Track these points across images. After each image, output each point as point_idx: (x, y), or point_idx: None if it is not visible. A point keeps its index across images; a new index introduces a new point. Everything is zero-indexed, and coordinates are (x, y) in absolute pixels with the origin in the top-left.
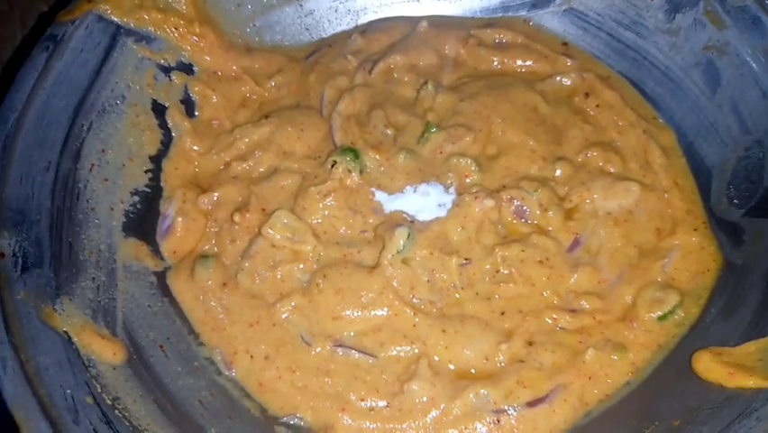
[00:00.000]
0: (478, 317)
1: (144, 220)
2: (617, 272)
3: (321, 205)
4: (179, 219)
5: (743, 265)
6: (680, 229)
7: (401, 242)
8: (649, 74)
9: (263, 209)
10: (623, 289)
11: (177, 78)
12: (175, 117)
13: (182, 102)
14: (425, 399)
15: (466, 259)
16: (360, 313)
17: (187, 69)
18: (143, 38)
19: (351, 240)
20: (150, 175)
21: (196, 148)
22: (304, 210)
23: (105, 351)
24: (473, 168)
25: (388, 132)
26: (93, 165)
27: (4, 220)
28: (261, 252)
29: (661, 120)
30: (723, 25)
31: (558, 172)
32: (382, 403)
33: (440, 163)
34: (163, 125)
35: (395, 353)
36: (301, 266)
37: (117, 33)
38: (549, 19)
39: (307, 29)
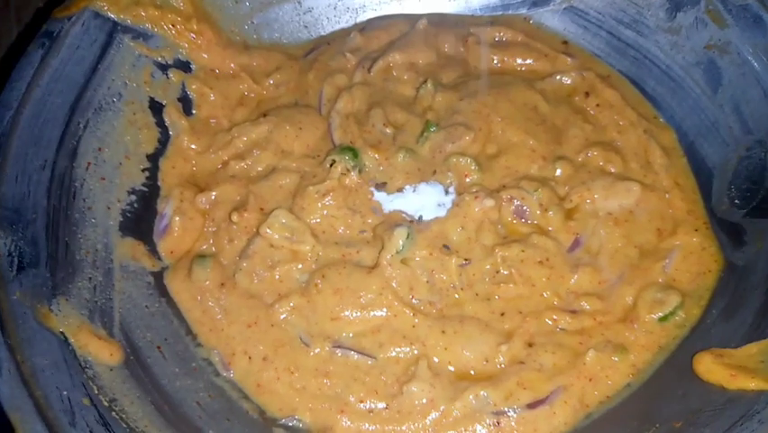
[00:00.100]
0: (477, 317)
1: (141, 219)
2: (618, 273)
3: (319, 204)
4: (177, 219)
5: (744, 266)
6: (681, 230)
7: (400, 242)
8: (650, 73)
9: (261, 209)
10: (623, 289)
11: (174, 75)
12: (172, 115)
13: (179, 100)
14: (424, 400)
15: (466, 259)
16: (359, 314)
17: (184, 66)
18: (140, 35)
19: (349, 240)
20: (147, 174)
21: (193, 146)
22: (302, 210)
23: (101, 352)
24: (473, 167)
25: (388, 131)
26: (89, 163)
27: (0, 219)
28: (260, 251)
29: (661, 119)
30: (724, 24)
31: (558, 172)
32: (381, 405)
33: (439, 163)
34: (160, 123)
35: (394, 354)
36: (300, 266)
37: (114, 30)
38: (549, 17)
39: (306, 26)
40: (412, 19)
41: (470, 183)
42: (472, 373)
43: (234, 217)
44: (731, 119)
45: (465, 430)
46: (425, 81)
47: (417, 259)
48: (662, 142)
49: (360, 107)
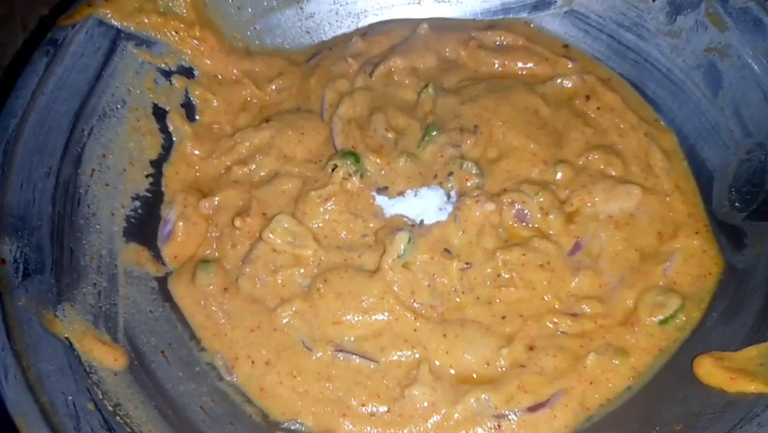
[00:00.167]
0: (479, 321)
1: (145, 225)
2: (619, 276)
3: (322, 209)
4: (180, 224)
5: (744, 269)
6: (681, 233)
7: (402, 246)
8: (650, 76)
9: (264, 214)
10: (624, 292)
11: (177, 81)
12: (176, 121)
13: (183, 106)
14: (425, 404)
15: (467, 263)
16: (360, 318)
17: (187, 72)
18: (144, 42)
19: (351, 244)
20: (150, 180)
21: (196, 152)
22: (304, 215)
23: (106, 357)
24: (474, 171)
25: (389, 135)
26: (94, 170)
27: (5, 226)
28: (262, 256)
29: (662, 123)
30: (724, 27)
31: (559, 175)
32: (383, 408)
33: (441, 167)
34: (164, 130)
35: (396, 358)
36: (302, 271)
37: (117, 38)
38: (550, 21)
39: (308, 32)
40: (413, 24)
41: (471, 187)
42: (474, 376)
43: (237, 222)
44: (731, 122)
45: None
46: (427, 86)
47: (419, 263)
48: (662, 146)
49: (361, 112)
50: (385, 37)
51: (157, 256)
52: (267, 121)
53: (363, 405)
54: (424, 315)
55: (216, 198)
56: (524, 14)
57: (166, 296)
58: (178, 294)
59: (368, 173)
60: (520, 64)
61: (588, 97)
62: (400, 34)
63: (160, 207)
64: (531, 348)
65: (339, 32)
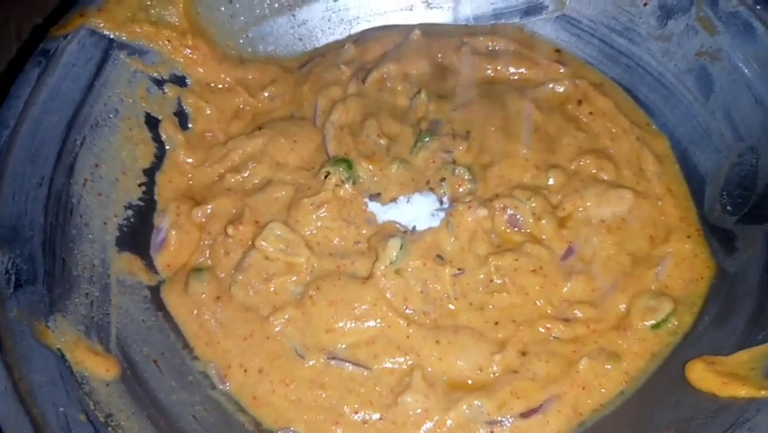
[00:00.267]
0: (471, 327)
1: (138, 234)
2: (611, 281)
3: (314, 216)
4: (173, 232)
5: (736, 273)
6: (673, 236)
7: (394, 253)
8: (642, 80)
9: (257, 221)
10: (616, 297)
11: (170, 90)
12: (168, 130)
13: (175, 114)
14: (418, 411)
15: (459, 269)
16: (353, 325)
17: (180, 81)
18: (136, 51)
19: (344, 251)
20: (143, 188)
21: (189, 160)
22: (297, 222)
23: (98, 367)
24: (466, 177)
25: (382, 141)
26: (86, 180)
27: None
28: (255, 264)
29: (654, 127)
30: (715, 31)
31: (551, 180)
32: (376, 416)
33: (433, 173)
34: (157, 138)
35: (388, 365)
36: (294, 278)
37: (110, 47)
38: (542, 26)
39: (300, 39)
40: (405, 30)
41: (463, 193)
42: (468, 382)
43: (230, 230)
44: (723, 126)
45: None
46: (419, 92)
47: (411, 269)
48: (654, 150)
49: (354, 119)
50: (377, 43)
51: (150, 265)
52: (259, 128)
53: (356, 412)
54: (416, 321)
55: (209, 207)
56: (516, 20)
57: (159, 305)
58: (171, 303)
59: (360, 180)
60: (512, 69)
61: (580, 102)
62: (393, 41)
63: (152, 215)
64: (524, 354)
65: (331, 38)
